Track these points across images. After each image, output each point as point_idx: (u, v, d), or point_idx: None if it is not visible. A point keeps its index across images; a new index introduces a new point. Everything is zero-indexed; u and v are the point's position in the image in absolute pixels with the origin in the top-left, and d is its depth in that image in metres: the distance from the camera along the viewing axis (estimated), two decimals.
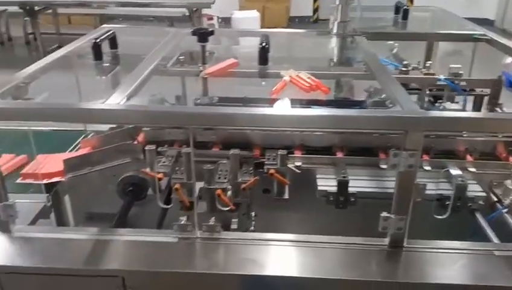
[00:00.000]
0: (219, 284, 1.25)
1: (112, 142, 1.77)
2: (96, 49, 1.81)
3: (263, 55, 1.78)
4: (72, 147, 1.90)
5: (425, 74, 1.83)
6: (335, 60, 2.11)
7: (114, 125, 1.72)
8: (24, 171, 1.79)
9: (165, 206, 1.42)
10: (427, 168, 1.54)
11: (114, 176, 1.61)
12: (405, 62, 1.86)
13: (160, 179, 1.43)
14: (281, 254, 1.29)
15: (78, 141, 1.92)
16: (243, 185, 1.39)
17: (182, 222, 1.32)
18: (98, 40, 1.83)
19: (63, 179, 1.63)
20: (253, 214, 1.51)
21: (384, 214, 1.26)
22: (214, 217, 1.35)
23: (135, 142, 1.65)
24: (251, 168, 1.48)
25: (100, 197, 1.65)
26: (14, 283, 1.25)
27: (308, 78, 1.69)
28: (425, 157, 1.55)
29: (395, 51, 2.09)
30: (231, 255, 1.28)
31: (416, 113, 1.28)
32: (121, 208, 1.53)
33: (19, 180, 1.76)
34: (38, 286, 1.26)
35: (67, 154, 1.80)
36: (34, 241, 1.32)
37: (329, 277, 1.21)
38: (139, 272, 1.21)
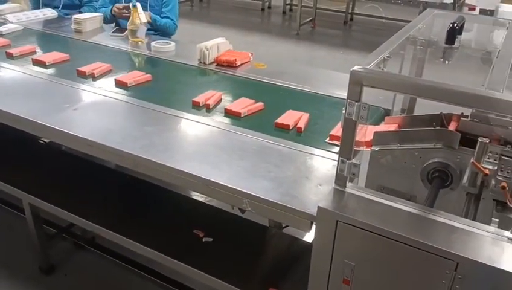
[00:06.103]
0: None
1: (419, 124, 1.77)
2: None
3: None
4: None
5: None
6: None
7: None
8: (332, 132, 1.96)
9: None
10: None
11: (420, 158, 1.63)
12: None
13: (486, 175, 1.38)
14: None
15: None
16: None
17: None
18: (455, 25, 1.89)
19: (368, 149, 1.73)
20: None
21: None
22: None
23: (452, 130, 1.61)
24: None
25: (396, 174, 1.68)
26: (345, 232, 1.35)
27: None
28: None
29: None
30: None
31: None
32: (430, 190, 1.54)
33: (327, 140, 1.94)
34: (365, 241, 1.33)
35: (376, 127, 1.88)
36: (363, 201, 1.41)
37: None
38: (477, 264, 1.17)
